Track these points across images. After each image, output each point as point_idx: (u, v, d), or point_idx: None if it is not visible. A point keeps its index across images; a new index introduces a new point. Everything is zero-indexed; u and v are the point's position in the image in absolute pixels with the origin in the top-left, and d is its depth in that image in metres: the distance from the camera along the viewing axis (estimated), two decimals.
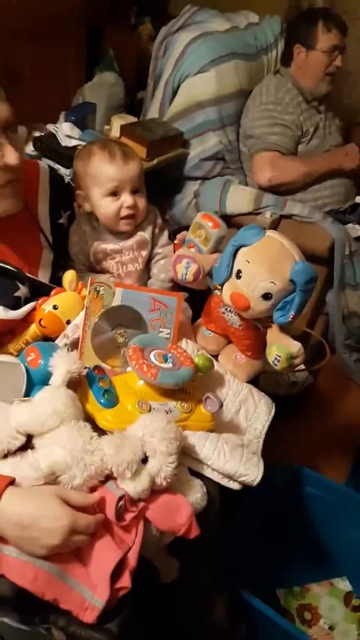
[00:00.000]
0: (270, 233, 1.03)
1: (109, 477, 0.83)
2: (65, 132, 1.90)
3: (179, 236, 1.25)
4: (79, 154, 1.26)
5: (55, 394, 0.86)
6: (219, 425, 1.01)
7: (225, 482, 0.97)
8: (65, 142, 1.89)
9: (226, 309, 1.12)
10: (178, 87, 2.12)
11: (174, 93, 2.14)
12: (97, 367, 0.97)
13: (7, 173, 1.02)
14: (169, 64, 2.13)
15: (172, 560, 0.92)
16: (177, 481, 0.87)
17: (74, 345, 1.03)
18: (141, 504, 0.83)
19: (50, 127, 1.95)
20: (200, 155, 2.12)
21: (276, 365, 1.02)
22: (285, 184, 2.04)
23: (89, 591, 0.76)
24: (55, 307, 1.04)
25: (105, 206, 1.21)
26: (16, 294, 1.07)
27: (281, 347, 1.01)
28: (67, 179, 1.37)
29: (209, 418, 0.98)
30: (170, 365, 0.97)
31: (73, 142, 1.89)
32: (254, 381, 1.19)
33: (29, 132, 1.96)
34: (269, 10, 2.33)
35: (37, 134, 1.94)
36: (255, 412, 1.11)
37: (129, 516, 0.81)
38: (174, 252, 1.23)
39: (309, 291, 1.00)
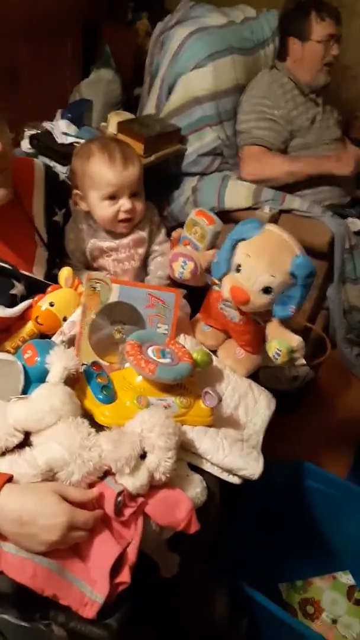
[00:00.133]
0: (269, 226, 1.03)
1: (108, 473, 0.83)
2: (62, 129, 1.90)
3: (174, 234, 1.25)
4: (78, 153, 1.24)
5: (53, 391, 0.86)
6: (218, 420, 1.01)
7: (225, 476, 0.97)
8: (62, 140, 1.88)
9: (225, 304, 1.12)
10: (175, 82, 2.10)
11: (171, 89, 2.12)
12: (94, 363, 0.97)
13: None
14: (165, 60, 2.12)
15: (172, 555, 0.92)
16: (176, 476, 0.87)
17: (70, 342, 1.03)
18: (140, 500, 0.83)
19: (47, 124, 1.95)
20: (198, 151, 2.12)
21: (277, 359, 1.02)
22: (267, 180, 2.02)
23: (89, 587, 0.76)
24: (51, 304, 1.04)
25: (102, 209, 1.20)
26: (12, 291, 1.07)
27: (282, 342, 1.01)
28: (62, 177, 1.36)
29: (207, 413, 0.98)
30: (168, 360, 0.97)
31: (69, 140, 1.88)
32: (254, 376, 1.19)
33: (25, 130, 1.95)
34: (266, 4, 2.31)
35: (33, 131, 1.94)
36: (255, 407, 1.10)
37: (128, 511, 0.81)
38: (171, 249, 1.23)
39: (310, 285, 1.00)
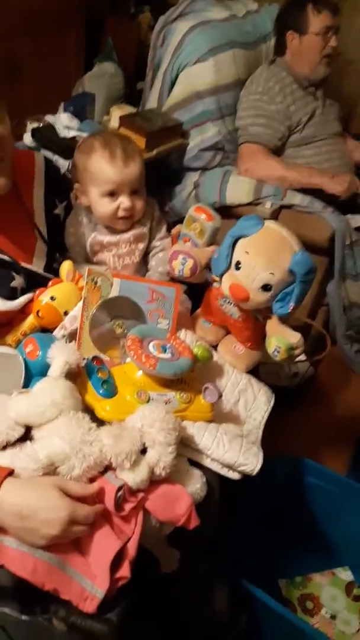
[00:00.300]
0: (269, 223, 1.02)
1: (108, 468, 0.83)
2: (64, 122, 1.89)
3: (173, 231, 1.24)
4: (80, 147, 1.24)
5: (54, 385, 0.86)
6: (218, 415, 1.01)
7: (224, 472, 0.97)
8: (64, 133, 1.88)
9: (225, 300, 1.11)
10: (177, 76, 2.10)
11: (173, 83, 2.12)
12: (95, 357, 0.97)
13: None
14: (167, 54, 2.11)
15: (172, 550, 0.92)
16: (176, 471, 0.87)
17: (72, 336, 1.03)
18: (140, 495, 0.83)
19: (49, 118, 1.94)
20: (199, 146, 2.11)
21: (276, 356, 1.01)
22: (259, 180, 2.01)
23: (89, 581, 0.76)
24: (52, 299, 1.04)
25: (102, 205, 1.19)
26: (12, 284, 1.07)
27: (281, 339, 1.01)
28: (63, 170, 1.35)
29: (208, 408, 0.98)
30: (169, 355, 0.97)
31: (72, 133, 1.87)
32: (254, 372, 1.18)
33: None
34: None
35: (35, 125, 1.93)
36: (254, 403, 1.10)
37: (128, 506, 0.81)
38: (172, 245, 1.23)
39: (309, 282, 1.00)
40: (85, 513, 0.76)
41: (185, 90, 2.08)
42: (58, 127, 1.89)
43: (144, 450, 0.84)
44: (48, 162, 1.28)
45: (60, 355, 0.88)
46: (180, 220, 1.23)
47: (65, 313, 1.04)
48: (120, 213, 1.19)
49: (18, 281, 1.08)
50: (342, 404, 2.10)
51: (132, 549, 0.79)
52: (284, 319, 1.04)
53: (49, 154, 1.79)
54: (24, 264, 1.11)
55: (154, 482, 0.84)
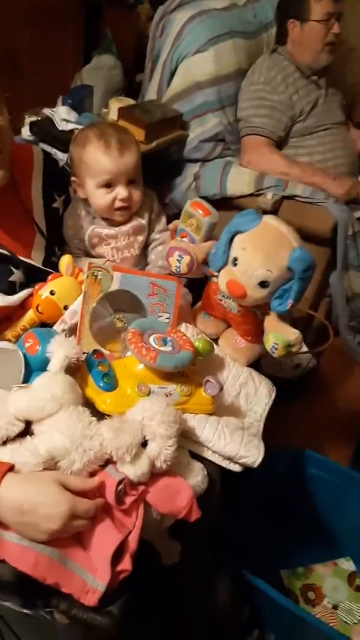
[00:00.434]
0: (267, 219, 1.01)
1: (109, 462, 0.83)
2: (62, 115, 1.88)
3: (170, 226, 1.24)
4: (75, 139, 1.23)
5: (54, 379, 0.86)
6: (219, 408, 1.01)
7: (225, 464, 0.97)
8: (62, 126, 1.86)
9: (224, 295, 1.11)
10: (176, 67, 2.08)
11: (172, 74, 2.10)
12: (96, 351, 0.96)
13: None
14: (166, 44, 2.09)
15: (173, 543, 0.92)
16: (177, 464, 0.87)
17: (72, 330, 1.02)
18: (141, 488, 0.83)
19: (47, 111, 1.93)
20: (199, 137, 2.10)
21: (274, 353, 1.01)
22: (262, 172, 2.01)
23: (90, 575, 0.76)
24: (52, 293, 1.03)
25: (98, 197, 1.19)
26: (11, 278, 1.07)
27: (279, 336, 1.00)
28: (62, 163, 1.35)
29: (209, 401, 0.98)
30: (169, 348, 0.96)
31: (70, 126, 1.86)
32: (256, 364, 1.18)
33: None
34: None
35: (33, 118, 1.92)
36: (255, 395, 1.10)
37: (129, 500, 0.81)
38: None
39: (308, 278, 0.99)
40: (86, 507, 0.76)
41: (185, 81, 2.06)
42: (56, 120, 1.88)
43: (144, 443, 0.84)
44: (46, 155, 1.27)
45: (60, 350, 0.88)
46: (180, 213, 1.22)
47: (65, 307, 1.04)
48: (117, 204, 1.19)
49: (17, 275, 1.08)
50: (345, 395, 2.10)
51: (133, 542, 0.79)
52: (283, 316, 1.03)
53: (47, 147, 1.78)
54: (22, 258, 1.10)
55: (154, 475, 0.84)
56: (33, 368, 0.91)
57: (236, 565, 1.22)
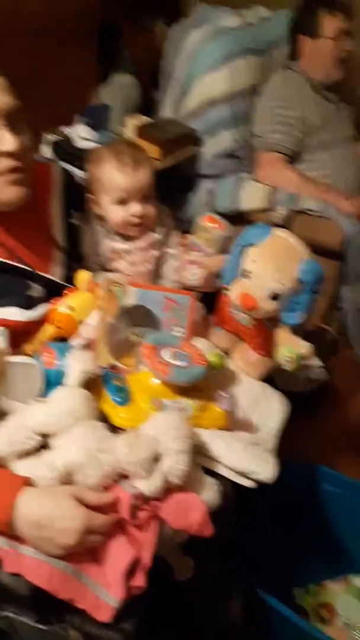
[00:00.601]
0: (277, 231, 1.02)
1: (123, 476, 0.84)
2: (80, 134, 1.91)
3: (184, 241, 1.25)
4: (90, 158, 1.26)
5: (71, 394, 0.87)
6: (232, 423, 1.01)
7: (239, 479, 0.96)
8: (81, 145, 1.90)
9: (236, 308, 1.12)
10: (191, 85, 2.11)
11: (187, 92, 2.13)
12: (112, 365, 0.97)
13: (6, 159, 1.00)
14: (181, 63, 2.13)
15: (186, 558, 0.92)
16: (190, 480, 0.87)
17: (88, 345, 1.04)
18: (155, 503, 0.83)
19: (65, 130, 1.96)
20: (214, 154, 2.12)
21: (286, 366, 1.02)
22: (277, 188, 2.03)
23: (104, 590, 0.76)
24: (70, 308, 1.05)
25: (113, 213, 1.21)
26: (29, 293, 1.08)
27: (290, 349, 1.01)
28: (80, 180, 1.37)
29: (222, 416, 0.98)
30: (183, 363, 0.97)
31: (88, 144, 1.90)
32: (270, 379, 1.18)
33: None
34: (280, 5, 2.30)
35: (53, 138, 1.95)
36: (268, 410, 1.10)
37: (142, 515, 0.82)
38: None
39: (318, 290, 0.99)
40: (101, 522, 0.77)
41: (200, 99, 2.09)
42: (74, 139, 1.91)
43: (158, 458, 0.85)
44: (65, 173, 1.30)
45: (77, 364, 0.89)
46: (194, 228, 1.24)
47: (82, 322, 1.05)
48: (132, 220, 1.21)
49: (35, 290, 1.10)
50: (358, 409, 2.09)
51: (146, 557, 0.80)
52: (295, 329, 1.04)
53: (67, 165, 1.81)
54: (42, 273, 1.12)
55: (168, 490, 0.85)
56: (51, 382, 0.92)
57: (248, 581, 1.21)
